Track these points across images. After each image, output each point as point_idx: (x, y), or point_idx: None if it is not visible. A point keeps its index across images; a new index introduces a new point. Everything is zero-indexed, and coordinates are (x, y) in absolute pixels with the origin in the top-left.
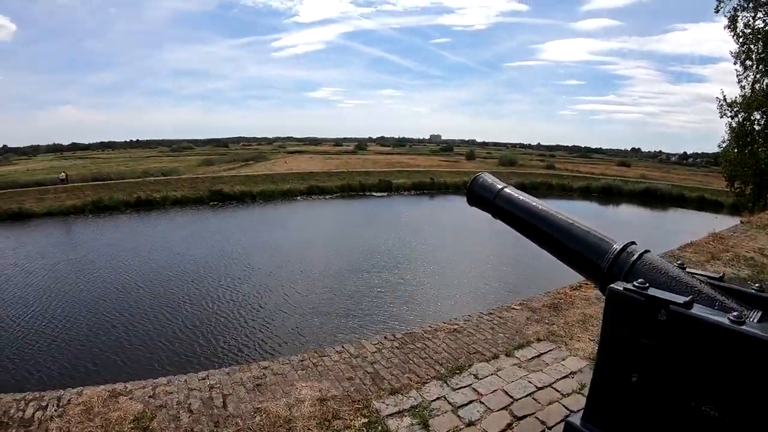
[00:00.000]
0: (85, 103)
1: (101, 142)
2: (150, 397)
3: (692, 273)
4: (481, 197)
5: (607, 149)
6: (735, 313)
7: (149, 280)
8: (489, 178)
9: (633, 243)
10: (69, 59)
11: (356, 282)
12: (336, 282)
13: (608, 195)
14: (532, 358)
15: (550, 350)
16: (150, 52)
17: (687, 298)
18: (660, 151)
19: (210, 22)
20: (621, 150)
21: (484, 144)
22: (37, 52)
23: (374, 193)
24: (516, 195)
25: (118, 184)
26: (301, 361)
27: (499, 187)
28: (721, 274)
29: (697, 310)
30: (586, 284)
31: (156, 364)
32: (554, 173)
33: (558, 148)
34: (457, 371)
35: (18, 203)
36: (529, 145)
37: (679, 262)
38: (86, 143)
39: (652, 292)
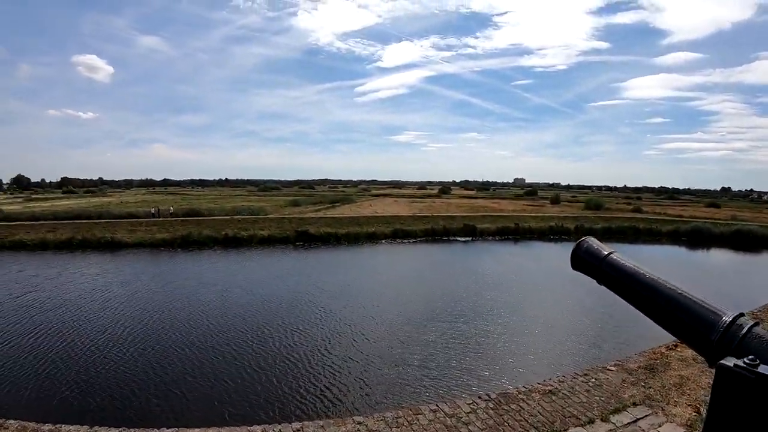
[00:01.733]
0: (176, 142)
1: (192, 180)
2: None
3: None
4: (586, 262)
5: (695, 189)
6: None
7: (226, 318)
8: (594, 243)
9: (742, 314)
10: (161, 101)
11: (438, 332)
12: (417, 330)
13: (697, 238)
14: (628, 423)
15: (647, 415)
16: (237, 96)
17: None
18: (751, 190)
19: (296, 68)
20: (710, 190)
21: (569, 187)
22: (131, 93)
23: (458, 238)
24: (623, 262)
25: (208, 221)
26: (396, 418)
27: (606, 252)
28: None
29: None
30: (682, 344)
31: (238, 406)
32: (641, 217)
33: (644, 189)
34: None
35: (111, 233)
36: (615, 187)
37: None
38: (177, 180)
39: (762, 369)
